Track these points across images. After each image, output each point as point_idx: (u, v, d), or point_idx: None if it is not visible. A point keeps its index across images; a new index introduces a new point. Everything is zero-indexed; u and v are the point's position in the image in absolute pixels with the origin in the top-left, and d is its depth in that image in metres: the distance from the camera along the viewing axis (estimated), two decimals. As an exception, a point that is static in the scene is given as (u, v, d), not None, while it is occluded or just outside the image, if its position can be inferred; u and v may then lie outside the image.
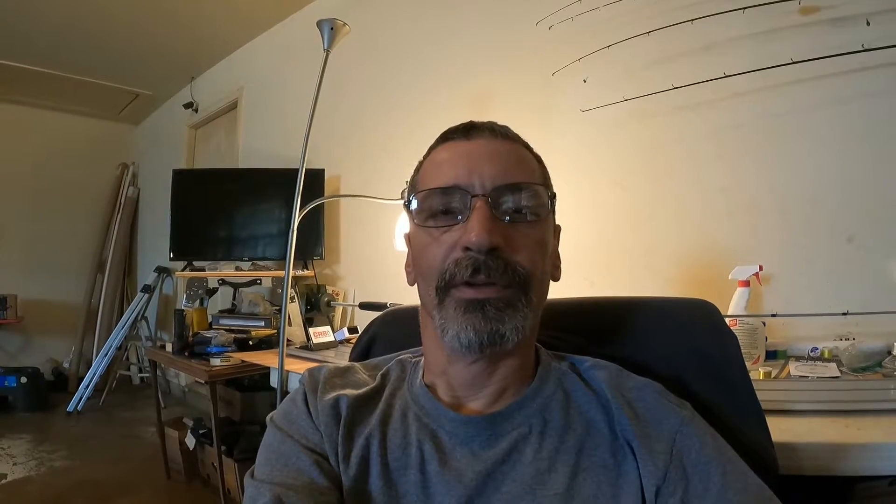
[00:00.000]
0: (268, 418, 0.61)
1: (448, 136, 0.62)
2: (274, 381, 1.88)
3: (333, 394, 0.60)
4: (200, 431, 2.55)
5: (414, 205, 0.59)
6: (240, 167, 3.53)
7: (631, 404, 0.56)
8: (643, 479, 0.52)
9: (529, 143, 0.64)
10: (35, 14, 3.17)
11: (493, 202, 0.55)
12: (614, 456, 0.54)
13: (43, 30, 3.37)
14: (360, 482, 0.55)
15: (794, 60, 1.31)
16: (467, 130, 0.61)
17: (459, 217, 0.56)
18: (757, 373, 1.11)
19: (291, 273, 1.69)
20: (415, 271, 0.62)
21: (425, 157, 0.64)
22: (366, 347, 0.85)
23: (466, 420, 0.57)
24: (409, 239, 0.65)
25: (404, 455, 0.56)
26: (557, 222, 0.64)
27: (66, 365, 4.58)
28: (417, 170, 0.65)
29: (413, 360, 0.67)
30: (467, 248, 0.54)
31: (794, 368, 1.16)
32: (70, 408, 3.75)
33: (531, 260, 0.56)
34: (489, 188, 0.56)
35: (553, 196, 0.60)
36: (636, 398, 0.57)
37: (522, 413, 0.57)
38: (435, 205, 0.58)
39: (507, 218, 0.56)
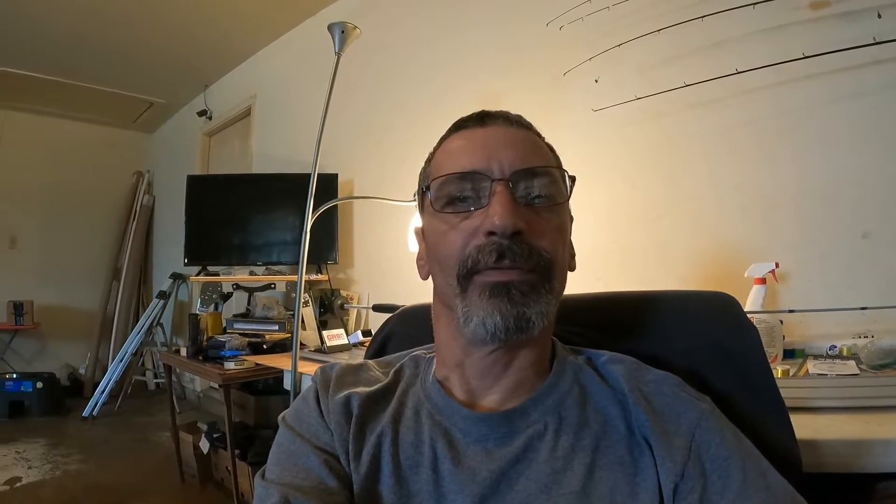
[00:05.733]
0: (280, 417, 0.61)
1: (462, 125, 0.62)
2: (287, 383, 1.88)
3: (345, 392, 0.59)
4: (214, 435, 2.56)
5: (430, 192, 0.58)
6: (253, 173, 3.56)
7: (648, 399, 0.55)
8: (661, 477, 0.50)
9: (554, 149, 0.64)
10: (50, 24, 3.22)
11: (512, 187, 0.54)
12: (631, 453, 0.52)
13: (58, 40, 3.43)
14: (371, 481, 0.54)
15: (806, 55, 1.30)
16: (481, 118, 0.60)
17: (478, 203, 0.55)
18: (775, 371, 1.10)
19: (305, 277, 1.70)
20: (429, 263, 0.61)
21: (437, 146, 0.64)
22: (381, 346, 0.85)
23: (480, 418, 0.56)
24: (421, 232, 0.64)
25: (417, 453, 0.55)
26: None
27: (81, 370, 4.63)
28: (429, 160, 0.64)
29: (427, 356, 0.66)
30: (490, 234, 0.53)
31: (812, 367, 1.15)
32: (85, 413, 3.78)
33: (553, 245, 0.55)
34: (508, 173, 0.55)
35: (573, 179, 0.59)
36: (654, 392, 0.56)
37: (538, 410, 0.56)
38: (453, 191, 0.56)
39: (528, 203, 0.55)
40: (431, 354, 0.65)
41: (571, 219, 0.62)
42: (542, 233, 0.54)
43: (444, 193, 0.57)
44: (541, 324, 0.53)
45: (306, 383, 1.76)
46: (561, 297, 0.58)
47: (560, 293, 0.57)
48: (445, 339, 0.61)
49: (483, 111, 0.61)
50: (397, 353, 0.71)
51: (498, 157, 0.55)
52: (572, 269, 0.62)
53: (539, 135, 0.62)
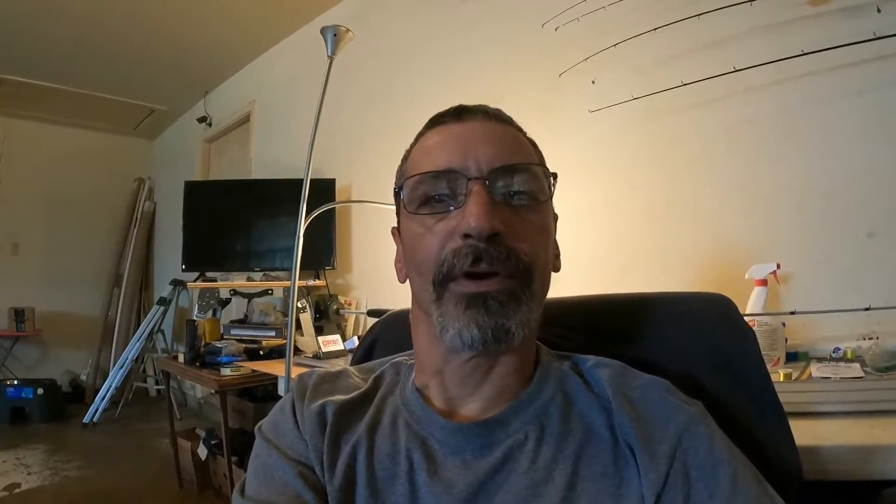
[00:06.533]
0: (256, 427, 0.59)
1: (438, 120, 0.58)
2: (282, 389, 1.86)
3: (321, 400, 0.57)
4: (212, 442, 2.55)
5: (404, 192, 0.55)
6: (252, 178, 3.55)
7: (633, 404, 0.52)
8: (644, 488, 0.47)
9: (537, 145, 0.61)
10: (51, 32, 3.24)
11: (490, 185, 0.51)
12: (616, 463, 0.50)
13: (59, 47, 3.44)
14: (346, 493, 0.51)
15: (805, 52, 1.28)
16: (458, 113, 0.57)
17: (455, 203, 0.52)
18: (777, 375, 1.07)
19: (303, 283, 1.68)
20: (407, 266, 0.58)
21: (414, 143, 0.61)
22: (367, 351, 0.83)
23: (458, 428, 0.53)
24: (397, 233, 0.61)
25: (393, 464, 0.52)
26: (563, 217, 0.61)
27: (83, 377, 4.63)
28: (405, 158, 0.61)
29: (409, 362, 0.63)
30: (466, 236, 0.50)
31: (815, 370, 1.12)
32: (86, 419, 3.77)
33: (533, 248, 0.52)
34: (486, 171, 0.52)
35: (554, 177, 0.56)
36: (639, 397, 0.53)
37: (518, 419, 0.53)
38: (428, 190, 0.53)
39: (507, 202, 0.52)
40: (412, 361, 0.62)
41: (556, 217, 0.59)
42: (521, 234, 0.51)
43: (418, 194, 0.54)
44: (521, 333, 0.50)
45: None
46: (544, 301, 0.55)
47: (542, 297, 0.55)
48: (425, 345, 0.58)
49: (461, 105, 0.58)
50: (379, 360, 0.68)
51: (475, 153, 0.52)
52: (557, 269, 0.59)
53: (520, 129, 0.59)
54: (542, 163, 0.58)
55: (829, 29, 1.30)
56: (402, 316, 0.84)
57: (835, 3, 1.31)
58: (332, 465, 0.53)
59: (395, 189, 0.59)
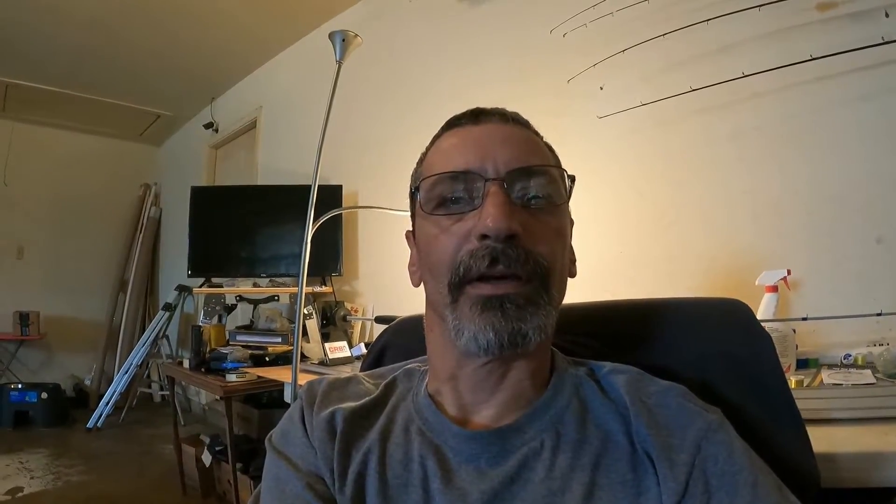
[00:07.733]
0: (267, 438, 0.58)
1: (455, 122, 0.58)
2: (288, 396, 1.86)
3: (331, 408, 0.56)
4: (217, 448, 2.54)
5: (420, 193, 0.55)
6: (258, 184, 3.56)
7: (651, 411, 0.51)
8: (663, 497, 0.46)
9: (553, 149, 0.60)
10: (59, 37, 3.26)
11: (508, 187, 0.50)
12: (634, 470, 0.48)
13: (66, 53, 3.47)
14: (357, 501, 0.51)
15: (814, 57, 1.28)
16: (476, 115, 0.57)
17: (471, 205, 0.52)
18: (788, 382, 1.06)
19: (310, 289, 1.68)
20: (421, 268, 0.58)
21: (430, 145, 0.61)
22: (377, 357, 0.82)
23: (472, 436, 0.52)
24: (412, 236, 0.61)
25: (406, 471, 0.51)
26: (575, 223, 0.61)
27: (87, 381, 4.63)
28: (421, 161, 0.61)
29: (422, 369, 0.62)
30: (484, 237, 0.49)
31: (826, 376, 1.11)
32: (90, 424, 3.78)
33: (551, 251, 0.51)
34: (503, 172, 0.51)
35: (572, 179, 0.56)
36: (657, 404, 0.52)
37: (534, 426, 0.52)
38: (445, 192, 0.53)
39: (524, 204, 0.52)
40: (426, 367, 0.62)
41: (572, 222, 0.59)
42: (539, 237, 0.51)
43: (435, 194, 0.54)
44: (538, 338, 0.50)
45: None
46: (560, 306, 0.55)
47: (559, 302, 0.54)
48: (439, 350, 0.57)
49: (477, 108, 0.58)
50: (391, 366, 0.68)
51: (493, 155, 0.52)
52: (573, 275, 0.58)
53: (537, 133, 0.59)
54: (559, 165, 0.58)
55: (837, 34, 1.30)
56: (412, 322, 0.84)
57: (843, 8, 1.31)
58: (343, 473, 0.52)
59: (410, 190, 0.59)
